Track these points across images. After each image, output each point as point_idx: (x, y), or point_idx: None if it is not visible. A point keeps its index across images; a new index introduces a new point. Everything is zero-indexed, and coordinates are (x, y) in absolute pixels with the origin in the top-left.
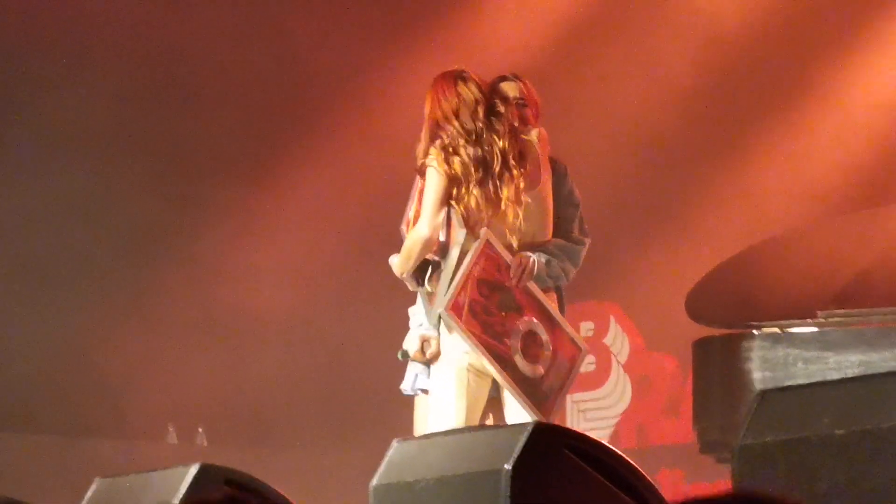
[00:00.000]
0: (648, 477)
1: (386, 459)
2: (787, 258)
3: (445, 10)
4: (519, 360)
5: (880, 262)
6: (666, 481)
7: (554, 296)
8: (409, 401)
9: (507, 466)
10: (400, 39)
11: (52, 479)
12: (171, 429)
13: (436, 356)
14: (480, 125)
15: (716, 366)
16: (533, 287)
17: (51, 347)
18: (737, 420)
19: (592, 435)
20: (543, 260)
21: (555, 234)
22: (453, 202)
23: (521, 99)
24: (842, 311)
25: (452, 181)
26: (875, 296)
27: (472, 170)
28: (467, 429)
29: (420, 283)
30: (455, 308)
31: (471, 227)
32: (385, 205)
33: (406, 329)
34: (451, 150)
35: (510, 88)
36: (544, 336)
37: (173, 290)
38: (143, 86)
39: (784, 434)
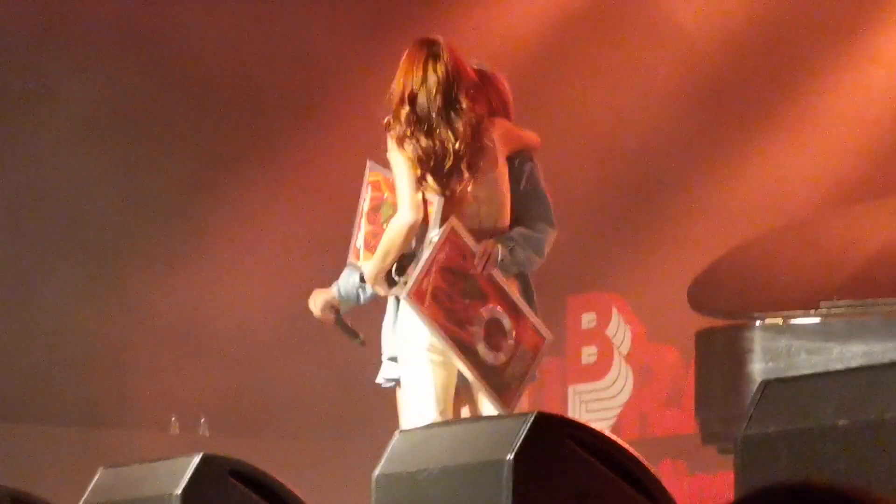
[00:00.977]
0: (651, 467)
1: (388, 450)
2: (789, 248)
3: (434, 13)
4: (481, 348)
5: (883, 253)
6: (668, 472)
7: (516, 283)
8: None
9: (510, 457)
10: (381, 36)
11: (56, 468)
12: (173, 419)
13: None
14: (435, 116)
15: (718, 356)
16: (497, 275)
17: (53, 338)
18: (739, 411)
19: (594, 426)
20: (508, 248)
21: (517, 223)
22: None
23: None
24: (845, 301)
25: (413, 163)
26: (878, 286)
27: (424, 158)
28: (470, 419)
29: (393, 283)
30: (418, 294)
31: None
32: None
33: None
34: (404, 137)
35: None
36: (508, 324)
37: (178, 283)
38: (154, 76)
39: (787, 425)
